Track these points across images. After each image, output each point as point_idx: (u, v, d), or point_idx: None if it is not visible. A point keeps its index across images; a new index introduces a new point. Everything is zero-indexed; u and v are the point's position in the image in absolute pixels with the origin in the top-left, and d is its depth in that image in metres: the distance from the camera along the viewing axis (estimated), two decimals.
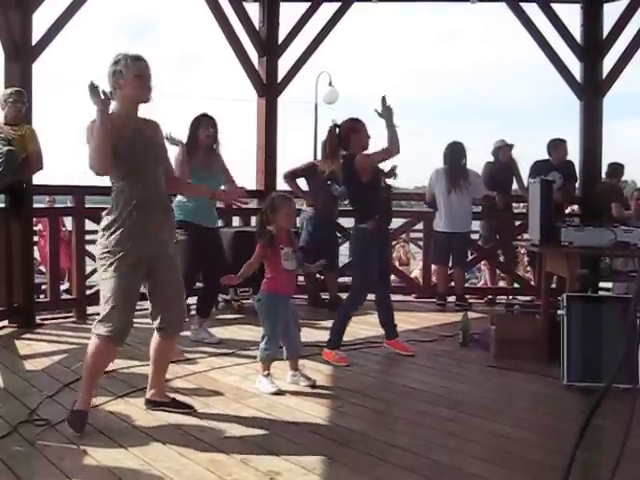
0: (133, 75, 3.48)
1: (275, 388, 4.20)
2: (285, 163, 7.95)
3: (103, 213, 3.56)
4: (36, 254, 9.10)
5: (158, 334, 3.77)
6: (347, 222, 8.20)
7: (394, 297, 5.69)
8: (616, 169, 7.76)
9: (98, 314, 3.58)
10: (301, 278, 7.58)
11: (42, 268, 9.84)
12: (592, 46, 7.61)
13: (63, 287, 8.21)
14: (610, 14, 7.68)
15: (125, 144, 3.47)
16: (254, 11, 7.69)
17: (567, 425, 3.75)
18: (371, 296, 5.33)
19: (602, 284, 6.59)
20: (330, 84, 19.30)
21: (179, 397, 3.94)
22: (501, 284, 8.90)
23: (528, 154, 8.45)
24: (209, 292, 5.80)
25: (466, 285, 9.06)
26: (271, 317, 4.34)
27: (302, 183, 7.37)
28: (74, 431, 3.41)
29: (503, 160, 7.80)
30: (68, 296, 6.91)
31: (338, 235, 7.93)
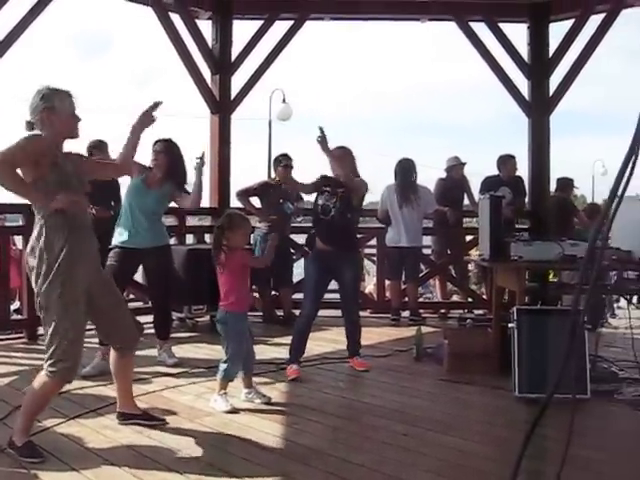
0: (69, 114, 3.52)
1: (230, 407, 4.18)
2: (240, 180, 7.98)
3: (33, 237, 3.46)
4: None
5: (115, 353, 3.80)
6: (300, 239, 8.26)
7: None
8: (565, 183, 7.97)
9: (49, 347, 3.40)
10: (255, 295, 7.60)
11: None
12: (539, 64, 7.81)
13: (13, 307, 8.07)
14: (556, 33, 7.91)
15: (55, 178, 3.43)
16: (207, 29, 7.72)
17: (519, 436, 3.74)
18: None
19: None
20: (284, 101, 19.43)
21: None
22: (455, 298, 9.02)
23: (479, 170, 8.64)
24: (158, 314, 5.66)
25: (420, 300, 9.18)
26: (237, 337, 4.32)
27: (255, 201, 7.41)
28: (36, 459, 3.33)
29: (455, 177, 7.96)
30: (19, 316, 6.77)
31: (292, 252, 7.96)
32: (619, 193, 1.72)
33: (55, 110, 3.45)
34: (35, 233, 3.44)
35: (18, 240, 7.80)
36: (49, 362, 3.39)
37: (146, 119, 3.75)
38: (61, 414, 3.98)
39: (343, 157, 5.26)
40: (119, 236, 5.36)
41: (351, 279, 5.28)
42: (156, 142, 5.53)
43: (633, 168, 1.70)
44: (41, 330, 6.24)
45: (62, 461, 3.32)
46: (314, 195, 5.41)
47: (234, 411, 4.16)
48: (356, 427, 4.01)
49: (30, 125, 3.49)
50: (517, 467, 1.85)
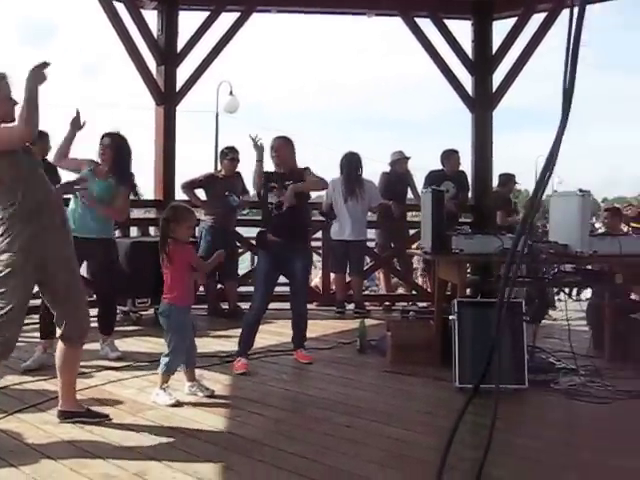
0: (5, 97, 3.48)
1: (173, 400, 4.16)
2: (187, 172, 7.92)
3: None
4: None
5: (63, 344, 3.73)
6: (245, 232, 8.26)
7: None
8: (507, 179, 8.13)
9: None
10: (201, 288, 7.57)
11: None
12: (482, 61, 7.96)
13: None
14: (499, 31, 8.06)
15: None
16: (152, 19, 7.63)
17: (460, 426, 3.89)
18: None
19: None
20: (231, 93, 19.31)
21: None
22: (400, 291, 9.12)
23: (426, 164, 8.75)
24: (102, 308, 5.56)
25: (365, 292, 9.27)
26: (181, 331, 4.31)
27: (201, 193, 7.37)
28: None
29: (399, 171, 8.04)
30: None
31: (237, 245, 7.94)
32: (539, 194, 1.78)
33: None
34: None
35: None
36: None
37: (37, 76, 3.45)
38: (0, 410, 3.90)
39: (284, 147, 5.28)
40: None
41: (302, 271, 5.32)
42: (104, 136, 5.49)
43: (554, 165, 1.76)
44: None
45: (0, 457, 3.26)
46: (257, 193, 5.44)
47: (177, 404, 4.14)
48: (299, 419, 4.04)
49: None
50: (445, 456, 1.91)
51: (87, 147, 5.67)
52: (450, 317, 4.68)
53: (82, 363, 5.02)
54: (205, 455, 3.35)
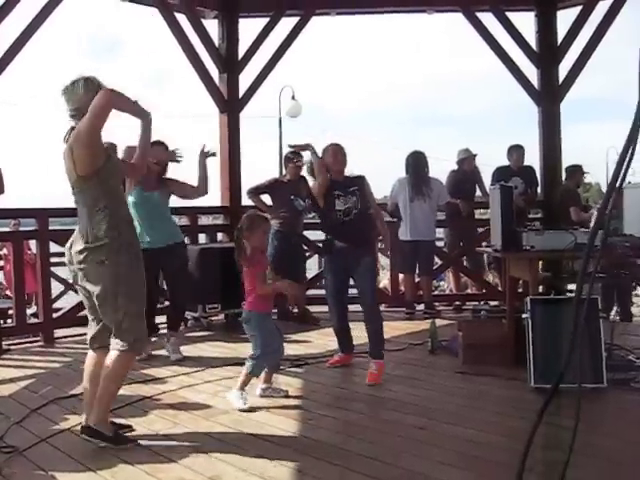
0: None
1: (247, 405, 4.19)
2: (251, 178, 7.97)
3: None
4: (1, 278, 9.02)
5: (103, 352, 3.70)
6: (312, 235, 8.28)
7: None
8: (573, 171, 7.88)
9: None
10: None
11: (8, 292, 9.74)
12: (547, 53, 7.77)
13: (30, 311, 8.15)
14: (564, 21, 7.85)
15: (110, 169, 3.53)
16: (213, 28, 7.73)
17: (531, 426, 3.80)
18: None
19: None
20: (293, 98, 19.41)
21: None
22: (470, 290, 8.98)
23: (491, 160, 8.60)
24: (171, 310, 5.94)
25: (435, 292, 9.17)
26: (269, 334, 4.37)
27: (266, 198, 7.41)
28: (128, 444, 3.54)
29: (467, 169, 7.93)
30: (35, 320, 6.84)
31: (305, 248, 7.97)
32: (618, 183, 1.70)
33: None
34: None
35: (33, 244, 7.87)
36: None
37: None
38: (77, 415, 3.99)
39: (339, 152, 5.18)
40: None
41: (369, 280, 5.11)
42: (152, 144, 5.61)
43: (632, 157, 1.69)
44: (57, 333, 6.42)
45: (78, 461, 3.35)
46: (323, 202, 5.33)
47: (250, 409, 4.17)
48: (371, 421, 4.01)
49: (79, 113, 3.40)
50: (525, 456, 1.85)
51: None
52: (523, 316, 4.57)
53: (155, 369, 5.20)
54: (279, 459, 3.36)
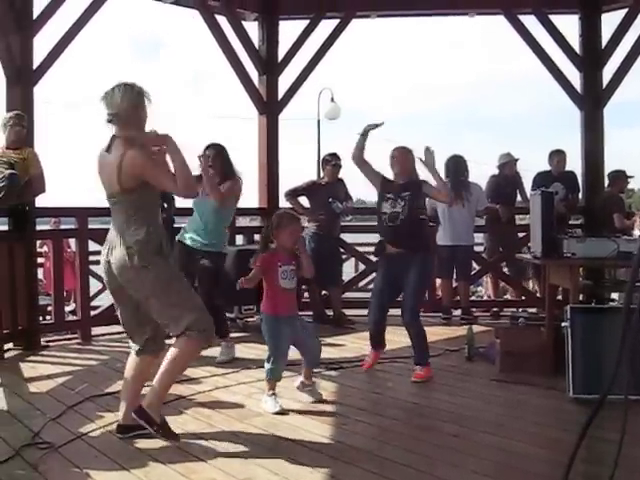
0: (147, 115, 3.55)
1: (279, 407, 4.17)
2: (289, 180, 7.97)
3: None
4: (42, 276, 9.15)
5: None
6: (350, 238, 8.26)
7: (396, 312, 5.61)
8: (616, 177, 7.71)
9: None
10: (306, 294, 7.62)
11: (48, 290, 9.87)
12: (591, 56, 7.62)
13: (69, 308, 8.25)
14: (608, 24, 7.70)
15: None
16: (253, 30, 7.75)
17: (572, 438, 3.66)
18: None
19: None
20: (332, 100, 19.39)
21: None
22: (508, 297, 8.86)
23: (531, 165, 8.47)
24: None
25: (473, 298, 9.08)
26: (274, 338, 4.32)
27: (304, 201, 7.40)
28: (176, 440, 3.56)
29: (508, 174, 7.83)
30: (73, 317, 6.92)
31: (342, 251, 7.94)
32: None
33: (144, 108, 3.50)
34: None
35: (72, 243, 7.97)
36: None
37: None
38: (113, 413, 4.02)
39: (404, 156, 5.18)
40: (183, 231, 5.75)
41: (414, 282, 5.03)
42: (208, 147, 5.63)
43: None
44: (94, 330, 6.48)
45: (113, 460, 3.36)
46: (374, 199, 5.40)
47: (283, 412, 4.15)
48: (405, 428, 3.96)
49: (116, 118, 3.44)
50: (568, 470, 1.79)
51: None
52: (563, 324, 4.48)
53: (190, 370, 5.20)
54: (311, 463, 3.33)
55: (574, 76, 7.78)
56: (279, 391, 4.34)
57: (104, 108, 3.47)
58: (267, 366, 4.31)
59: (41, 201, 6.09)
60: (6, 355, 5.75)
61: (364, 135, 5.21)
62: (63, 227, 9.39)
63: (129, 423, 3.66)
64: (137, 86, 3.48)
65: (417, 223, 5.08)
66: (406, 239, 5.03)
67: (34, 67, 5.96)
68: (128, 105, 3.42)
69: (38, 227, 6.49)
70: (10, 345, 5.95)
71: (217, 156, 5.61)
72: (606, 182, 7.79)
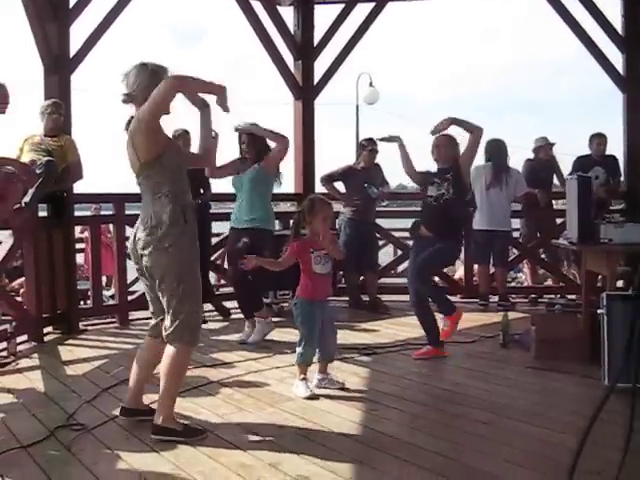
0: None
1: (310, 392, 4.19)
2: (328, 165, 7.94)
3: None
4: (83, 261, 9.30)
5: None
6: (386, 223, 8.21)
7: None
8: None
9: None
10: (342, 280, 7.62)
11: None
12: (633, 37, 7.43)
13: (109, 293, 8.38)
14: None
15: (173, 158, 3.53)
16: (289, 15, 7.73)
17: (606, 428, 3.63)
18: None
19: None
20: (371, 84, 19.27)
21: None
22: (548, 283, 8.74)
23: (573, 149, 8.31)
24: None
25: (512, 284, 8.97)
26: (307, 322, 4.33)
27: (340, 186, 7.38)
28: (203, 435, 3.51)
29: (544, 158, 7.69)
30: (111, 302, 7.03)
31: (378, 236, 7.90)
32: None
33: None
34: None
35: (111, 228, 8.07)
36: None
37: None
38: (146, 395, 4.05)
39: (443, 143, 5.25)
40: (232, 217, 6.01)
41: (423, 258, 5.16)
42: (243, 133, 5.79)
43: None
44: (132, 315, 6.58)
45: (144, 442, 3.41)
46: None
47: (314, 397, 4.16)
48: (437, 415, 3.94)
49: (130, 98, 3.44)
50: (577, 455, 1.77)
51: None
52: (599, 311, 4.39)
53: (224, 354, 5.27)
54: (340, 449, 3.34)
55: (616, 58, 7.59)
56: (310, 376, 4.36)
57: (122, 88, 3.47)
58: (298, 350, 4.32)
59: (79, 188, 6.20)
60: (46, 339, 5.87)
61: (391, 141, 5.45)
62: (104, 213, 9.53)
63: (132, 407, 3.71)
64: (152, 65, 3.43)
65: (459, 204, 5.25)
66: (442, 220, 5.13)
67: (71, 55, 6.03)
68: (141, 84, 3.39)
69: (79, 213, 6.60)
70: (50, 329, 6.08)
71: (251, 142, 5.80)
72: None
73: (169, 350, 3.46)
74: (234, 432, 3.57)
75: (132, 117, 3.47)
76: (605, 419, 3.73)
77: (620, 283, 5.95)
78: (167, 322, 3.46)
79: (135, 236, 3.50)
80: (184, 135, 6.40)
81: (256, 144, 5.78)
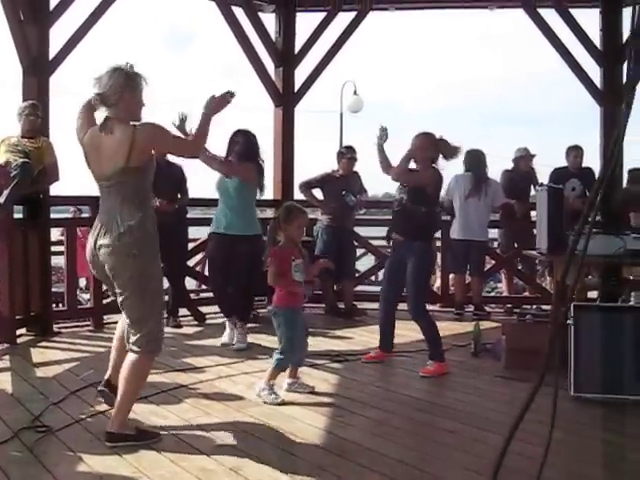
0: (141, 98, 3.52)
1: (279, 399, 4.20)
2: (310, 173, 7.92)
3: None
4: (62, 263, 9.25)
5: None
6: (363, 231, 8.24)
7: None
8: (637, 175, 7.59)
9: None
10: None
11: None
12: (612, 51, 7.51)
13: (87, 296, 8.33)
14: (629, 18, 7.56)
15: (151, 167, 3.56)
16: (270, 22, 7.77)
17: (570, 438, 3.70)
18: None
19: None
20: (355, 93, 19.29)
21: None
22: (526, 293, 8.78)
23: (551, 160, 8.36)
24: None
25: (493, 294, 9.02)
26: (289, 330, 4.35)
27: (318, 193, 7.40)
28: (156, 438, 3.50)
29: (523, 169, 7.76)
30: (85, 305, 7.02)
31: (355, 244, 7.93)
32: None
33: (134, 91, 3.45)
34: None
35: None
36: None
37: (220, 103, 3.65)
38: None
39: (420, 147, 5.17)
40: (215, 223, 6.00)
41: (412, 274, 5.07)
42: (236, 132, 5.78)
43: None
44: (106, 318, 6.56)
45: (107, 445, 3.40)
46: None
47: (281, 403, 4.17)
48: (402, 422, 3.95)
49: (101, 98, 3.41)
50: (500, 459, 1.81)
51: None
52: (567, 322, 4.43)
53: (196, 358, 5.27)
54: (300, 454, 3.36)
55: (595, 71, 7.68)
56: (279, 381, 4.37)
57: (93, 89, 3.45)
58: (277, 356, 4.33)
59: (57, 190, 6.19)
60: (19, 340, 5.84)
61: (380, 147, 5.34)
62: (85, 216, 9.45)
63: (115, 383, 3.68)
64: (127, 69, 3.44)
65: (416, 210, 5.10)
66: (403, 224, 5.17)
67: (50, 57, 6.04)
68: (114, 85, 3.39)
69: (59, 216, 6.59)
70: (23, 331, 6.05)
71: (241, 140, 5.82)
72: (624, 179, 7.68)
73: (132, 357, 3.45)
74: (198, 436, 3.58)
75: (107, 117, 3.46)
76: (562, 428, 3.80)
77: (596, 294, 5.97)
78: (131, 331, 3.44)
79: (96, 242, 3.43)
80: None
81: (243, 146, 5.80)
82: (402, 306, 5.35)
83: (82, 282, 9.05)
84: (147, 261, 3.41)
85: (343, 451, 3.41)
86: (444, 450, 3.49)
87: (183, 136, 4.34)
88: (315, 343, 5.37)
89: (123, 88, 3.40)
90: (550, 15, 7.56)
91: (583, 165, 7.53)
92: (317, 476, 3.12)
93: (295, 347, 4.36)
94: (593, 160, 7.64)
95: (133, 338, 3.43)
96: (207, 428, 3.72)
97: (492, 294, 10.30)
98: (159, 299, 3.51)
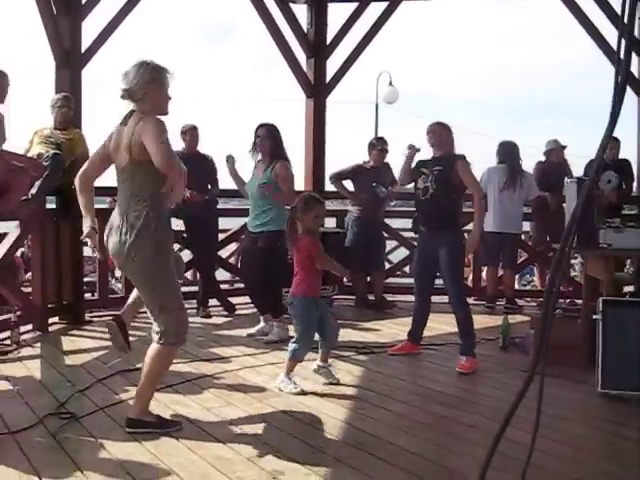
0: (168, 92, 3.53)
1: (298, 389, 4.21)
2: (345, 163, 7.88)
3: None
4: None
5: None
6: (394, 223, 8.19)
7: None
8: None
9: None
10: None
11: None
12: None
13: (121, 285, 8.45)
14: None
15: None
16: (302, 13, 7.75)
17: (594, 435, 3.65)
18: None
19: None
20: (390, 84, 19.18)
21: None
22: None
23: (589, 151, 8.22)
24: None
25: (527, 287, 8.90)
26: (306, 320, 4.35)
27: (349, 184, 7.38)
28: (177, 426, 3.54)
29: (555, 161, 7.63)
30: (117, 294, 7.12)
31: (385, 236, 7.89)
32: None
33: (161, 85, 3.47)
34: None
35: None
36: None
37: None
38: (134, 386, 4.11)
39: (439, 129, 5.12)
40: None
41: (448, 264, 4.99)
42: (259, 127, 5.73)
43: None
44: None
45: (127, 432, 3.45)
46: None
47: (302, 393, 4.18)
48: (423, 416, 3.92)
49: (128, 93, 3.44)
50: (490, 456, 1.78)
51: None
52: (594, 317, 4.35)
53: (222, 348, 5.31)
54: (318, 446, 3.36)
55: (633, 60, 7.49)
56: (302, 372, 4.38)
57: (121, 85, 3.48)
58: (292, 346, 4.33)
59: (98, 180, 6.25)
60: (51, 329, 5.95)
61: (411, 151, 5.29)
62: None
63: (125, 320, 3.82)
64: (154, 63, 3.45)
65: (445, 199, 5.01)
66: (433, 215, 5.05)
67: (82, 50, 6.11)
68: (140, 81, 3.40)
69: (97, 206, 6.64)
70: (56, 319, 6.17)
71: (267, 136, 5.74)
72: None
73: (155, 346, 3.50)
74: (218, 425, 3.61)
75: (132, 111, 3.49)
76: (590, 425, 3.75)
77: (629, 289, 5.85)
78: (154, 326, 3.50)
79: (107, 237, 3.50)
80: (192, 130, 6.46)
81: (272, 143, 5.74)
82: (433, 299, 5.35)
83: (118, 272, 9.16)
84: (148, 261, 3.40)
85: (362, 443, 3.40)
86: (465, 445, 3.45)
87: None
88: (343, 334, 5.31)
89: (149, 83, 3.43)
90: (586, 3, 7.40)
91: (620, 157, 7.38)
92: (333, 468, 3.12)
93: (311, 337, 4.36)
94: (630, 151, 7.50)
95: (156, 334, 3.48)
96: (227, 417, 3.74)
97: (527, 287, 10.19)
98: (169, 295, 3.47)
